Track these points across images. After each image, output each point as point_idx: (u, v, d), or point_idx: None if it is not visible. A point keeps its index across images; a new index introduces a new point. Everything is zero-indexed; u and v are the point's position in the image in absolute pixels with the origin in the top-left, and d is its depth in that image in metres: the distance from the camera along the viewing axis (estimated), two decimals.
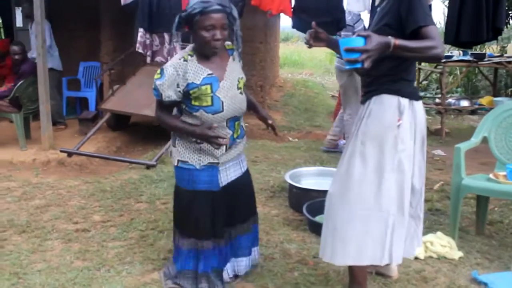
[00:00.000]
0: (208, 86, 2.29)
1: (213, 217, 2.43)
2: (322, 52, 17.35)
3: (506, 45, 10.75)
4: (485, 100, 6.75)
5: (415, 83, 2.52)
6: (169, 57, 5.23)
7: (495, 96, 6.97)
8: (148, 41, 5.32)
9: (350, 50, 1.82)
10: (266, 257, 2.94)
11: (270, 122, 2.61)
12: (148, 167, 4.83)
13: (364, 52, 1.80)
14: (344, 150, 2.30)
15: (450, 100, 6.64)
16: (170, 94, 2.28)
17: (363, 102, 2.27)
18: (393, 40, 1.87)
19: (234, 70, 2.39)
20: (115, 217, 3.60)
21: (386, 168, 2.12)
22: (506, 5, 6.12)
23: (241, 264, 2.61)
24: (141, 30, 5.28)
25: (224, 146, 2.35)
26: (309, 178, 4.05)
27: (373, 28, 2.16)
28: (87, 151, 5.35)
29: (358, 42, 1.81)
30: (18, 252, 2.99)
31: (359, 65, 1.83)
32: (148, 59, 5.49)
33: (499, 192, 2.90)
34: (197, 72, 2.29)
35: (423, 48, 1.93)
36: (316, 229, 3.32)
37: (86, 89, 7.21)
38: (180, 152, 2.41)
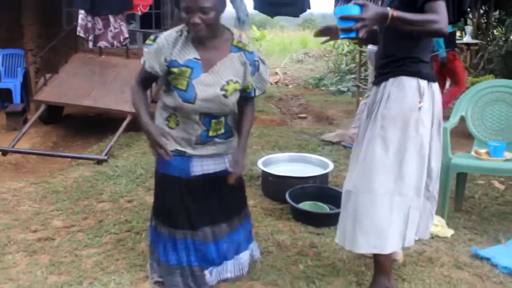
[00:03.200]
0: (189, 70, 2.07)
1: (185, 206, 2.25)
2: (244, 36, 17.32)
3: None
4: None
5: None
6: (114, 41, 4.80)
7: None
8: (90, 24, 4.81)
9: (345, 18, 1.75)
10: (263, 251, 2.76)
11: (231, 170, 2.21)
12: (99, 162, 4.42)
13: (359, 20, 1.73)
14: (359, 137, 2.20)
15: None
16: (154, 64, 2.11)
17: (376, 83, 2.17)
18: (391, 11, 1.81)
19: (227, 68, 2.11)
20: (79, 220, 3.21)
21: (408, 151, 2.06)
22: None
23: (236, 263, 2.41)
24: (82, 12, 4.75)
25: (193, 140, 2.19)
26: (281, 164, 3.92)
27: (386, 5, 2.06)
28: (21, 148, 4.79)
29: (354, 10, 1.75)
30: None
31: (353, 34, 1.78)
32: (90, 44, 4.99)
33: (488, 169, 2.97)
34: (184, 50, 2.09)
35: (424, 21, 1.86)
36: (301, 217, 3.22)
37: (8, 79, 6.45)
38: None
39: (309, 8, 4.54)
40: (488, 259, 2.59)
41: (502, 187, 3.79)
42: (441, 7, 1.90)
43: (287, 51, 16.07)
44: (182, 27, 2.11)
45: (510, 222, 3.16)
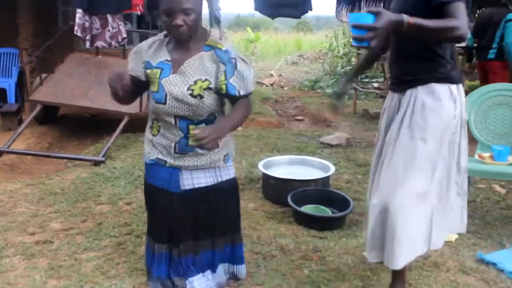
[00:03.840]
0: (159, 71, 2.03)
1: (171, 220, 2.17)
2: (238, 38, 17.31)
3: None
4: None
5: None
6: (112, 41, 4.73)
7: None
8: (87, 24, 4.73)
9: (358, 27, 1.69)
10: (266, 256, 2.73)
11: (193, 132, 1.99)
12: (96, 163, 4.35)
13: (371, 30, 1.67)
14: (379, 145, 2.11)
15: None
16: (135, 67, 2.09)
17: (399, 91, 2.08)
18: (406, 18, 1.72)
19: (194, 68, 2.00)
20: (78, 223, 3.15)
21: (442, 160, 2.01)
22: None
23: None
24: (79, 11, 4.68)
25: (172, 148, 2.07)
26: (282, 167, 3.89)
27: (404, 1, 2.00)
28: (16, 148, 4.71)
29: (367, 19, 1.70)
30: None
31: (366, 44, 1.72)
32: (88, 44, 4.92)
33: (492, 173, 2.96)
34: (158, 53, 2.07)
35: (444, 29, 1.77)
36: (303, 220, 3.18)
37: (2, 79, 6.34)
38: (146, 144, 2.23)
39: (311, 9, 4.51)
40: (494, 264, 2.57)
41: (503, 191, 3.78)
42: (461, 9, 1.80)
43: (281, 53, 16.04)
44: (161, 34, 2.10)
45: None
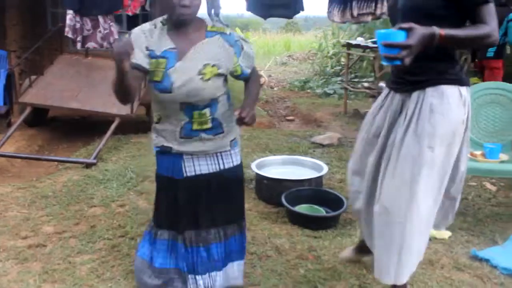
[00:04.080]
0: (164, 61, 2.01)
1: (175, 207, 2.18)
2: None
3: None
4: None
5: None
6: (104, 43, 4.69)
7: None
8: (78, 25, 4.69)
9: (389, 45, 1.61)
10: (261, 256, 2.73)
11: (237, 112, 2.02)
12: (88, 166, 4.32)
13: (405, 48, 1.59)
14: (394, 154, 1.95)
15: (381, 84, 6.87)
16: (139, 55, 1.98)
17: (404, 91, 1.97)
18: (438, 31, 1.65)
19: (202, 53, 2.02)
20: (71, 226, 3.12)
21: (449, 167, 1.94)
22: None
23: (213, 279, 2.24)
24: (70, 12, 4.64)
25: (178, 133, 2.09)
26: (275, 167, 3.89)
27: None
28: (6, 151, 4.66)
29: (399, 36, 1.61)
30: None
31: (398, 62, 1.63)
32: (79, 45, 4.88)
33: (484, 171, 2.99)
34: (161, 42, 2.03)
35: (476, 37, 1.71)
36: (298, 220, 3.19)
37: None
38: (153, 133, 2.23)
39: (303, 9, 4.52)
40: (487, 260, 2.59)
41: (494, 188, 3.82)
42: (493, 12, 1.73)
43: (271, 53, 16.06)
44: (155, 21, 2.06)
45: (505, 223, 3.18)
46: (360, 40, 7.25)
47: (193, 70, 2.00)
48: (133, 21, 6.75)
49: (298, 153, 4.69)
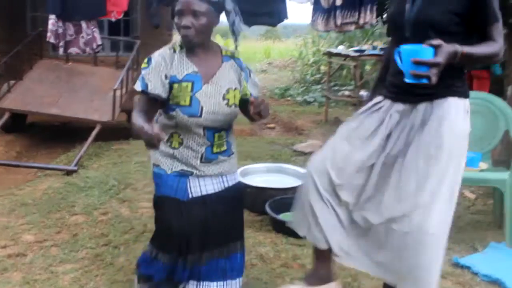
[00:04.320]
0: (189, 84, 2.00)
1: (181, 230, 2.09)
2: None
3: None
4: None
5: None
6: (87, 48, 4.64)
7: None
8: (60, 30, 4.62)
9: (418, 63, 1.56)
10: (246, 265, 2.70)
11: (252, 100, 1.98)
12: (68, 173, 4.25)
13: (434, 66, 1.55)
14: (396, 167, 1.88)
15: (362, 92, 6.97)
16: (156, 85, 1.98)
17: (407, 102, 1.91)
18: (460, 49, 1.63)
19: (224, 78, 2.06)
20: (52, 234, 3.06)
21: (459, 182, 1.89)
22: None
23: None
24: (52, 17, 4.57)
25: (199, 157, 2.06)
26: (258, 175, 3.90)
27: (437, 11, 1.80)
28: None
29: (428, 54, 1.56)
30: None
31: (425, 81, 1.58)
32: (61, 50, 4.81)
33: (465, 179, 3.02)
34: (182, 65, 2.02)
35: (490, 55, 1.73)
36: (282, 228, 3.19)
37: None
38: (154, 156, 2.14)
39: (287, 17, 4.56)
40: (468, 268, 2.65)
41: (473, 196, 3.90)
42: (501, 31, 1.74)
43: (251, 61, 16.13)
44: (173, 44, 2.07)
45: (484, 231, 3.25)
46: (341, 49, 7.35)
47: (218, 94, 2.02)
48: (116, 27, 6.72)
49: (281, 161, 4.72)
